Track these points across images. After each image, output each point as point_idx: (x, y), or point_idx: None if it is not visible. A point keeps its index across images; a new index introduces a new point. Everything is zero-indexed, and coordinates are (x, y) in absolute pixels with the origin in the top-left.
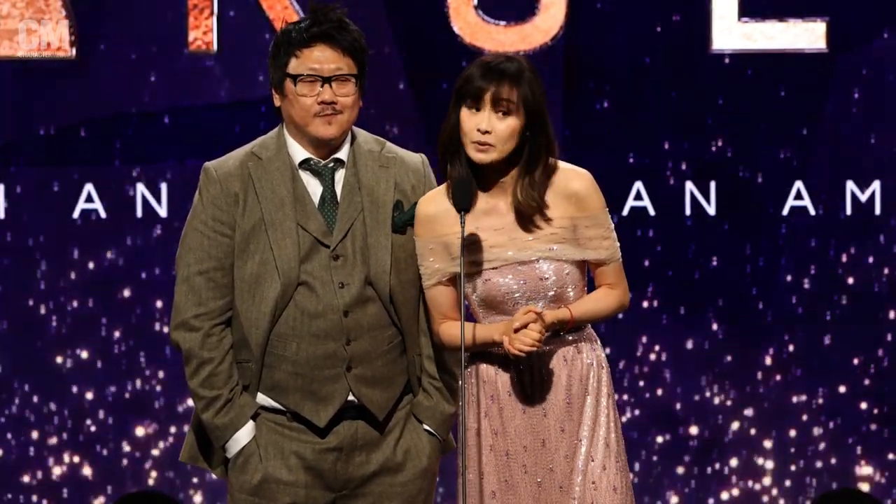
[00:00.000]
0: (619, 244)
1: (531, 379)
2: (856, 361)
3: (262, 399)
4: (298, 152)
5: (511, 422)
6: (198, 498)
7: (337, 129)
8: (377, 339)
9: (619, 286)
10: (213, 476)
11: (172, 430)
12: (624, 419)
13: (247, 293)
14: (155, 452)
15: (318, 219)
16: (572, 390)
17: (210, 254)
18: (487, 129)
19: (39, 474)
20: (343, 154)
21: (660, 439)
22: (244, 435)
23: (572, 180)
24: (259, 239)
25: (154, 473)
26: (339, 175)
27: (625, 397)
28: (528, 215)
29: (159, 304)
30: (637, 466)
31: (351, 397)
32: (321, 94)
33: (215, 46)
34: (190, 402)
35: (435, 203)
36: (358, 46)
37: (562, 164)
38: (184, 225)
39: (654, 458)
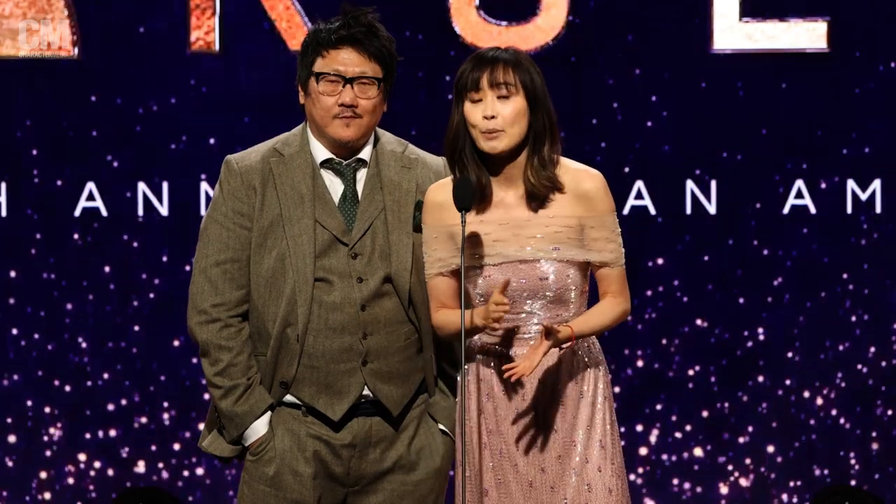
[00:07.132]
0: (623, 250)
1: (526, 378)
2: (857, 360)
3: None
4: (321, 152)
5: (505, 421)
6: (198, 496)
7: (355, 132)
8: (394, 334)
9: (622, 293)
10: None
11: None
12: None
13: (263, 288)
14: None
15: (337, 216)
16: (566, 391)
17: (228, 245)
18: (493, 113)
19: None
20: (365, 154)
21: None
22: (262, 424)
23: (584, 180)
24: (276, 234)
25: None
26: (361, 174)
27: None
28: (542, 197)
29: (158, 303)
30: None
31: (366, 392)
32: (342, 95)
33: (217, 46)
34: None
35: (445, 191)
36: (386, 52)
37: (573, 164)
38: (183, 224)
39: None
